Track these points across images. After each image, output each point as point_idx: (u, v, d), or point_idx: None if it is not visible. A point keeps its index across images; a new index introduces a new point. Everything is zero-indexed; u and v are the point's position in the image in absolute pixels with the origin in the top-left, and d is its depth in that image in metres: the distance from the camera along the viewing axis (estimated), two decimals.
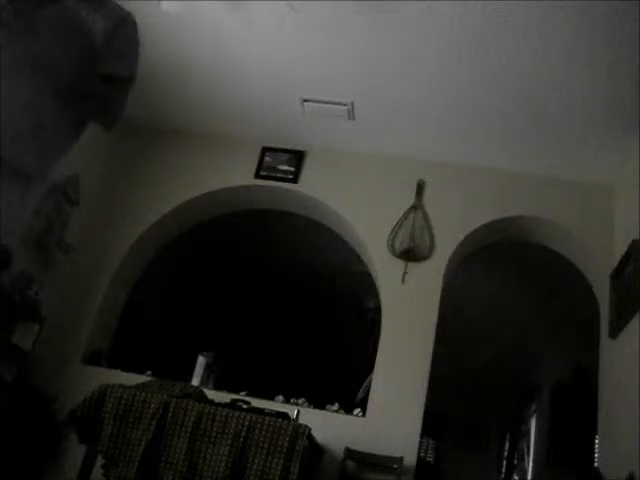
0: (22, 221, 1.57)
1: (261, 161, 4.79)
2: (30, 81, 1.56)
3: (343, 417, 4.06)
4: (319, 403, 4.15)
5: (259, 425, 3.04)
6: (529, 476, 7.68)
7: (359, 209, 4.59)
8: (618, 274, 3.80)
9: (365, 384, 4.46)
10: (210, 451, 3.00)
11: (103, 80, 1.71)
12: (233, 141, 4.90)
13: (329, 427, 3.87)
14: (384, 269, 4.40)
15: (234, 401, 3.45)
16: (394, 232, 4.42)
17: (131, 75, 1.83)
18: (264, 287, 7.66)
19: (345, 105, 4.24)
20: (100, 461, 3.07)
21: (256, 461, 2.96)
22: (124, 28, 1.78)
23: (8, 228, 1.47)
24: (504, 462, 9.74)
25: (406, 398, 3.99)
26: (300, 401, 4.14)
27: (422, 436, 4.08)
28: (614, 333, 3.75)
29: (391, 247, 4.39)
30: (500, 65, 3.60)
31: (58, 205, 4.16)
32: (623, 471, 3.13)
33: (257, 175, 4.77)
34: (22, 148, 1.55)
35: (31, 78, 1.56)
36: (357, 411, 4.07)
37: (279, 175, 4.74)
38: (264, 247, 6.62)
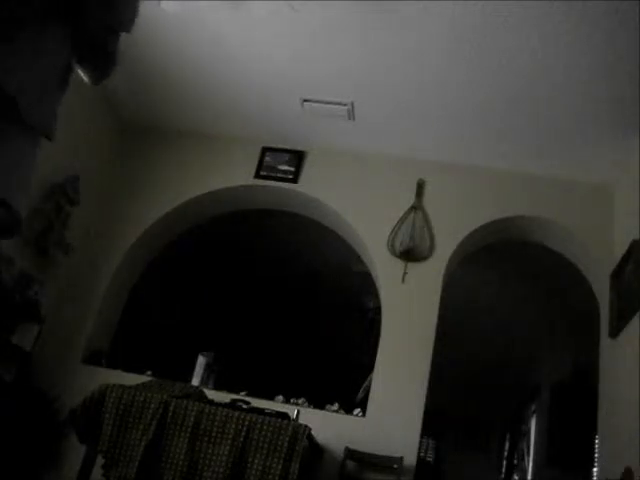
0: (30, 182, 1.46)
1: (261, 161, 4.79)
2: (55, 29, 1.47)
3: (343, 417, 4.06)
4: (319, 403, 4.15)
5: (259, 425, 3.04)
6: (529, 476, 7.68)
7: (359, 209, 4.59)
8: (618, 274, 3.80)
9: (365, 384, 4.46)
10: (210, 451, 3.00)
11: (101, 26, 1.61)
12: (233, 141, 4.90)
13: (329, 427, 3.87)
14: (384, 269, 4.40)
15: (234, 401, 3.45)
16: (394, 232, 4.43)
17: (128, 28, 1.69)
18: (264, 287, 7.66)
19: (345, 105, 4.24)
20: (100, 461, 3.07)
21: (256, 461, 2.96)
22: None
23: (18, 188, 1.39)
24: (504, 462, 9.75)
25: (406, 398, 3.99)
26: (300, 401, 4.13)
27: (422, 436, 4.08)
28: (614, 333, 3.75)
29: (391, 247, 4.39)
30: (500, 65, 3.60)
31: (58, 205, 4.16)
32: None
33: (257, 175, 4.77)
34: (32, 100, 1.42)
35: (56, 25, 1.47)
36: (357, 411, 4.07)
37: (279, 175, 4.74)
38: (264, 247, 6.62)
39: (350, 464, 3.84)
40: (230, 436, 3.01)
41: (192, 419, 3.06)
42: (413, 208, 4.50)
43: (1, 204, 1.33)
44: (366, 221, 4.55)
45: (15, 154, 1.38)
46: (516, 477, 8.78)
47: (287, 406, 3.90)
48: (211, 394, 3.65)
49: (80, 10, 1.48)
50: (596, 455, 4.47)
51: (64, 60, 1.52)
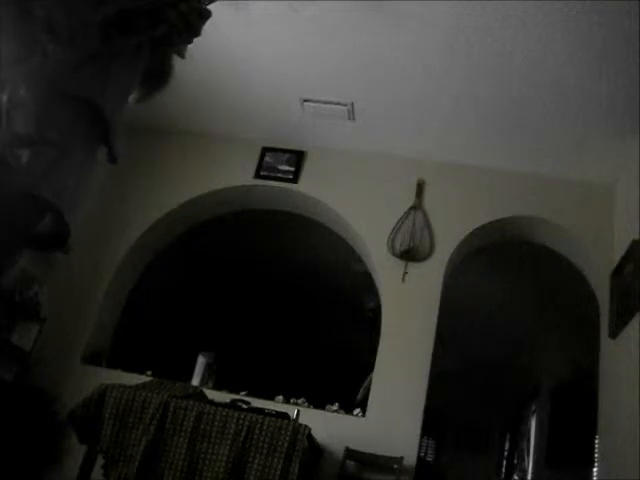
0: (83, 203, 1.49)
1: (261, 161, 4.79)
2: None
3: (343, 417, 4.05)
4: (319, 403, 4.15)
5: (259, 425, 3.04)
6: (529, 476, 7.68)
7: (359, 209, 4.59)
8: (618, 274, 3.80)
9: (365, 384, 4.47)
10: (210, 451, 3.00)
11: (171, 54, 1.61)
12: (233, 141, 4.90)
13: (329, 427, 3.87)
14: (384, 269, 4.40)
15: (234, 401, 3.45)
16: (394, 232, 4.42)
17: (184, 55, 1.70)
18: (264, 287, 7.66)
19: (345, 105, 4.24)
20: (100, 461, 3.07)
21: (256, 461, 2.96)
22: None
23: (76, 207, 1.45)
24: (504, 462, 9.74)
25: (406, 398, 3.99)
26: (300, 401, 4.13)
27: (422, 436, 4.08)
28: (614, 333, 3.75)
29: (391, 247, 4.39)
30: (500, 65, 3.60)
31: None
32: (624, 471, 3.13)
33: (257, 175, 4.77)
34: (116, 125, 1.50)
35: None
36: (357, 411, 4.06)
37: (279, 175, 4.74)
38: (264, 247, 6.62)
39: (350, 464, 3.84)
40: (230, 436, 3.01)
41: (192, 419, 3.06)
42: (413, 208, 4.50)
43: (61, 220, 1.36)
44: (366, 221, 4.55)
45: (86, 175, 1.43)
46: (516, 477, 8.78)
47: (287, 406, 3.89)
48: (211, 394, 3.65)
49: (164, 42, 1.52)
50: (596, 455, 4.47)
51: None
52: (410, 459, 3.81)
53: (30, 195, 1.27)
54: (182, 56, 1.63)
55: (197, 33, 1.47)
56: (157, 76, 1.66)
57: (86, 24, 1.29)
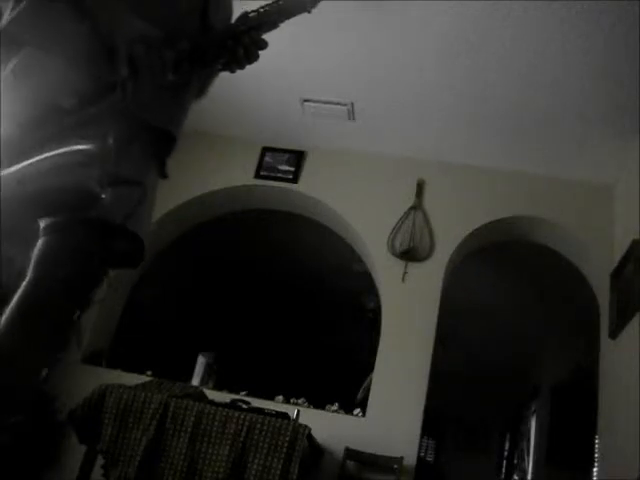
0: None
1: (261, 161, 4.79)
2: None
3: (343, 417, 4.06)
4: (319, 403, 4.15)
5: (259, 425, 3.04)
6: (529, 476, 7.68)
7: (359, 209, 4.59)
8: (618, 274, 3.80)
9: (365, 384, 4.47)
10: (210, 451, 3.00)
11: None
12: (233, 141, 4.90)
13: (329, 427, 3.87)
14: (384, 269, 4.40)
15: (234, 401, 3.45)
16: (394, 232, 4.42)
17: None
18: (264, 287, 7.66)
19: (345, 105, 4.24)
20: (100, 461, 3.07)
21: (256, 461, 2.96)
22: None
23: (147, 220, 1.51)
24: (504, 462, 9.75)
25: (406, 398, 3.99)
26: (300, 401, 4.13)
27: (422, 436, 4.08)
28: (614, 333, 3.75)
29: (391, 247, 4.39)
30: (500, 65, 3.60)
31: None
32: (624, 471, 3.13)
33: (257, 175, 4.77)
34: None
35: None
36: (357, 411, 4.06)
37: (279, 175, 4.74)
38: (264, 247, 6.62)
39: (350, 464, 3.84)
40: (230, 436, 3.01)
41: (192, 419, 3.06)
42: (413, 208, 4.50)
43: (134, 237, 1.39)
44: (366, 221, 4.55)
45: (151, 190, 1.50)
46: (516, 477, 8.78)
47: (287, 406, 3.89)
48: (211, 394, 3.65)
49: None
50: (596, 455, 4.47)
51: None
52: (410, 459, 3.81)
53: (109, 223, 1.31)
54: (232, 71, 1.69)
55: (252, 62, 1.51)
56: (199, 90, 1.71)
57: (163, 59, 1.34)
